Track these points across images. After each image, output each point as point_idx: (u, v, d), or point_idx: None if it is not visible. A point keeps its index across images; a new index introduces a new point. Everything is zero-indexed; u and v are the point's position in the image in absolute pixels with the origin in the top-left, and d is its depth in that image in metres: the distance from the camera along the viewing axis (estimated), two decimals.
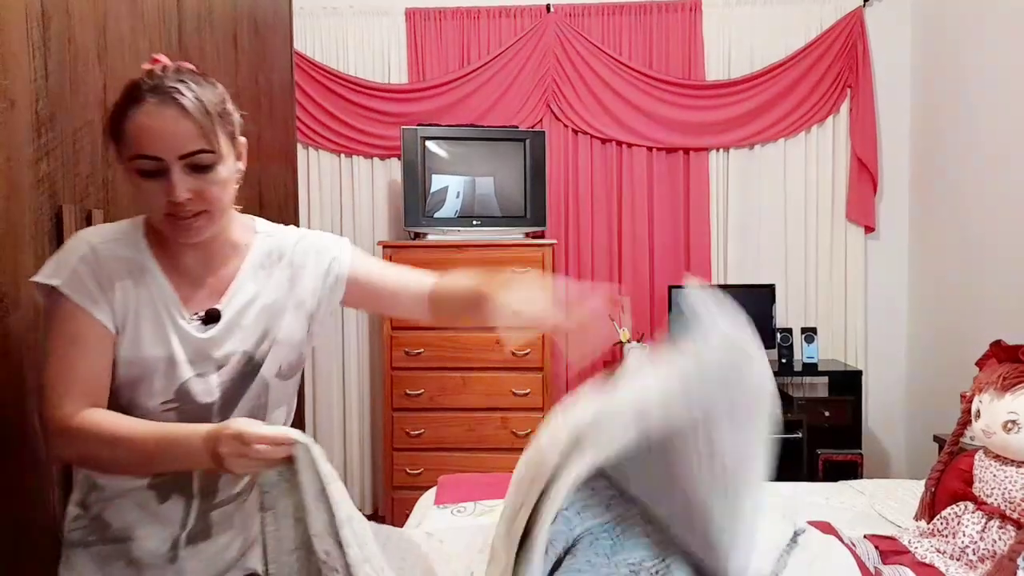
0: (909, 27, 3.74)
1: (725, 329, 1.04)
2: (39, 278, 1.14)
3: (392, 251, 3.42)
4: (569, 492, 1.01)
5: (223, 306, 1.23)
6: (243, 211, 1.32)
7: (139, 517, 1.20)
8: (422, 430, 3.41)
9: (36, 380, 1.12)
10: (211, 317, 1.22)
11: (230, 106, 1.19)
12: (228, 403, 1.23)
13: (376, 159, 3.88)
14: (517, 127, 3.67)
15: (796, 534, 1.72)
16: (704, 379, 1.03)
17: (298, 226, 2.89)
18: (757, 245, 3.82)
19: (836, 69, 3.72)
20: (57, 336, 1.13)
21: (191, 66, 1.20)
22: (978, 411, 1.90)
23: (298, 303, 1.31)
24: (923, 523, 2.00)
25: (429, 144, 3.47)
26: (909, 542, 1.89)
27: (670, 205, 3.85)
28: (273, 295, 1.29)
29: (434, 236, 3.49)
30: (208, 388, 1.21)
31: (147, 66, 1.17)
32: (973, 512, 1.84)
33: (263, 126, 2.46)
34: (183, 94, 1.11)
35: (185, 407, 1.19)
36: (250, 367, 1.25)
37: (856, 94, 3.73)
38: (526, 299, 1.19)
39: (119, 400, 1.17)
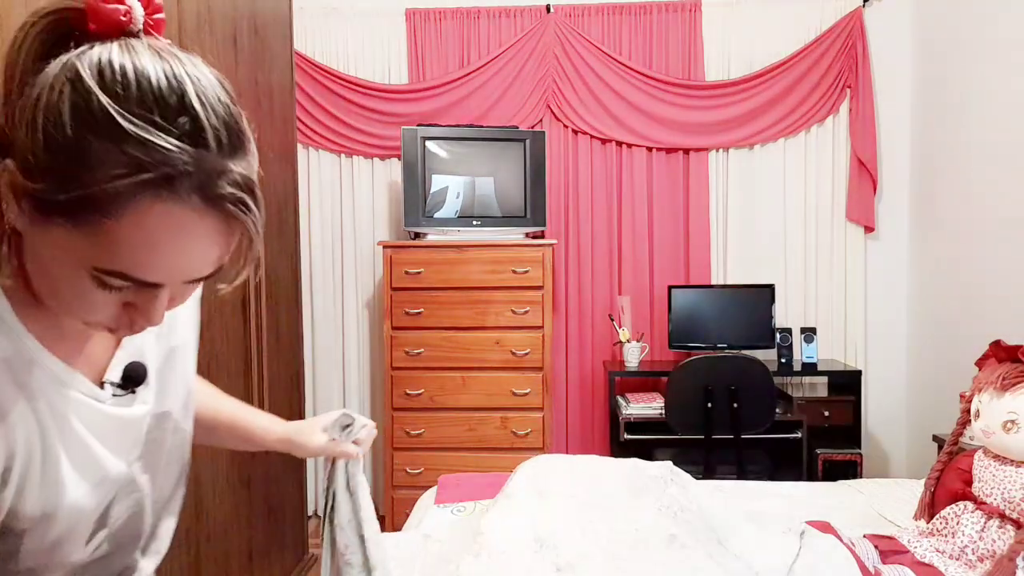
0: (909, 27, 3.74)
1: None
2: None
3: (392, 251, 3.42)
4: None
5: (134, 357, 0.80)
6: None
7: None
8: (422, 430, 3.41)
9: None
10: (135, 377, 0.78)
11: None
12: (161, 495, 0.86)
13: (376, 159, 3.88)
14: (517, 127, 3.67)
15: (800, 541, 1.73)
16: None
17: (298, 227, 2.91)
18: (757, 245, 3.83)
19: (836, 69, 3.73)
20: None
21: (230, 91, 0.67)
22: (977, 411, 1.91)
23: (196, 338, 0.94)
24: (922, 523, 2.00)
25: (429, 144, 3.47)
26: (908, 542, 1.89)
27: (670, 205, 3.85)
28: (179, 332, 0.89)
29: (434, 236, 3.49)
30: (137, 489, 0.81)
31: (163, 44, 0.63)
32: (972, 512, 1.84)
33: (263, 126, 2.46)
34: (251, 215, 0.65)
35: (119, 532, 0.79)
36: (176, 436, 0.87)
37: (856, 94, 3.73)
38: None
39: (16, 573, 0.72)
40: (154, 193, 0.58)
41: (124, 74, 0.58)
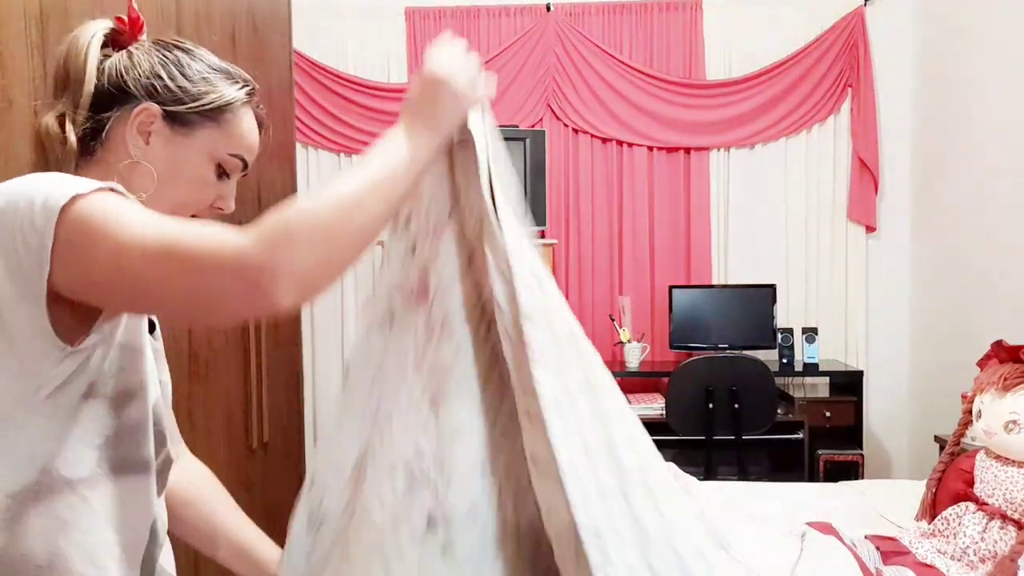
0: (910, 26, 3.73)
1: None
2: (84, 189, 0.74)
3: None
4: None
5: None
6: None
7: None
8: None
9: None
10: (150, 322, 1.01)
11: None
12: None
13: None
14: (517, 126, 3.66)
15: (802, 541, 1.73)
16: None
17: None
18: (758, 245, 3.82)
19: (837, 68, 3.72)
20: (134, 214, 0.74)
21: None
22: (979, 411, 1.90)
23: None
24: (924, 524, 1.99)
25: None
26: (910, 543, 1.89)
27: (671, 205, 3.84)
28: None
29: None
30: (166, 434, 0.96)
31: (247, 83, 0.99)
32: (974, 513, 1.83)
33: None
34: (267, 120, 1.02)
35: (163, 461, 0.93)
36: (168, 412, 1.01)
37: (857, 93, 3.72)
38: None
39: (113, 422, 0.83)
40: (245, 99, 0.96)
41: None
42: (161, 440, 0.92)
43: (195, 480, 1.11)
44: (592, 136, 3.82)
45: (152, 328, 0.96)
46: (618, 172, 3.84)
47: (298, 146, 3.34)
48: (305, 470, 3.11)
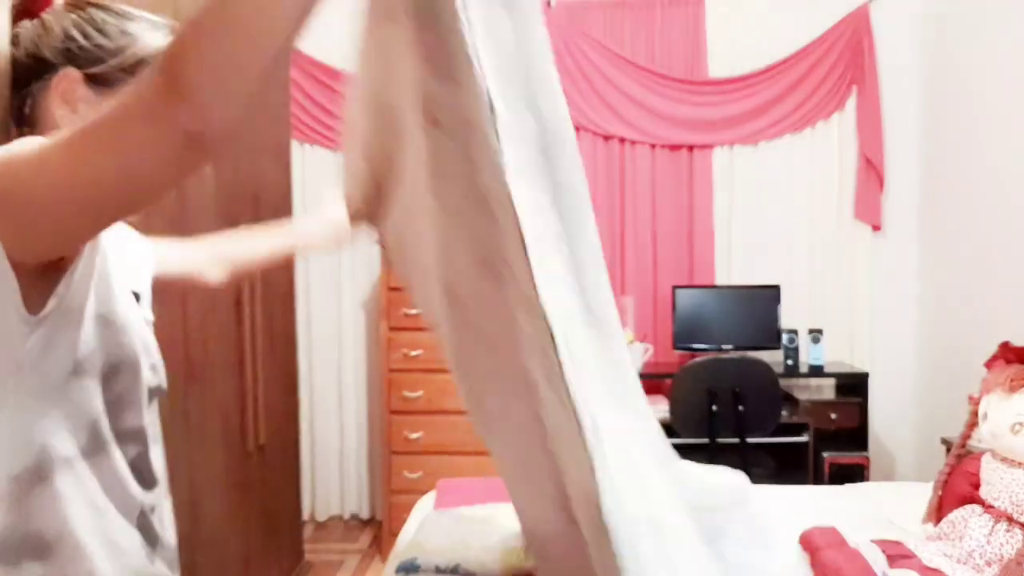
0: (915, 23, 3.69)
1: None
2: None
3: None
4: None
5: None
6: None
7: None
8: (420, 433, 3.37)
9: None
10: (135, 294, 1.03)
11: None
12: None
13: None
14: None
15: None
16: None
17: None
18: (762, 244, 3.78)
19: (842, 66, 3.68)
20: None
21: None
22: (986, 413, 1.87)
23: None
24: (930, 526, 1.97)
25: None
26: (916, 546, 1.85)
27: (674, 203, 3.81)
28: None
29: None
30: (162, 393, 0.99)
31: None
32: (980, 515, 1.80)
33: (256, 121, 2.43)
34: None
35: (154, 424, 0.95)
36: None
37: (862, 91, 3.68)
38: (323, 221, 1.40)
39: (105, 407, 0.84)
40: (160, 47, 0.87)
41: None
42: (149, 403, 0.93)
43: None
44: (594, 133, 3.79)
45: (138, 300, 0.95)
46: (620, 170, 3.81)
47: (293, 142, 3.32)
48: (301, 472, 3.08)
